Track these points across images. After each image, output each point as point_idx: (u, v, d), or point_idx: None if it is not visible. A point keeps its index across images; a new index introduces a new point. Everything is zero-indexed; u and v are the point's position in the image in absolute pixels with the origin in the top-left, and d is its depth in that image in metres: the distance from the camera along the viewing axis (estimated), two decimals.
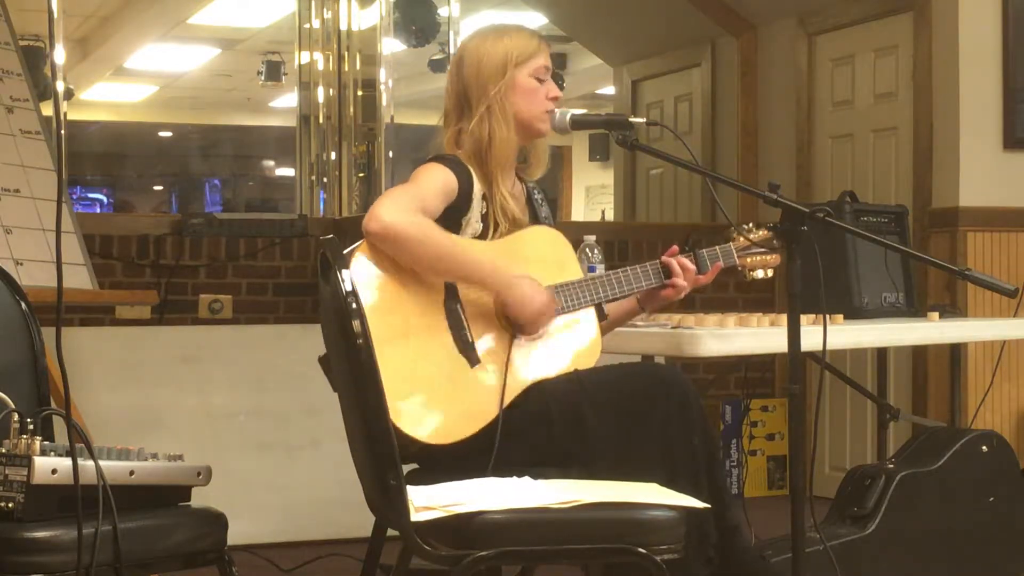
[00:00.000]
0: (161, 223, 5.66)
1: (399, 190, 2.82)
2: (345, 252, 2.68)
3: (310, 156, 7.52)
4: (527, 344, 2.83)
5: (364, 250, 2.73)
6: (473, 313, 2.79)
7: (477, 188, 2.91)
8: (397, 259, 2.72)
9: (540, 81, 2.96)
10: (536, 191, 3.12)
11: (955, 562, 3.58)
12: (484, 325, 2.79)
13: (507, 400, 2.74)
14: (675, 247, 3.03)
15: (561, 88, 3.04)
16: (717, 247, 3.11)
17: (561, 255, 2.98)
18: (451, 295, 2.78)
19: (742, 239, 3.12)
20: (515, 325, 2.81)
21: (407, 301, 2.74)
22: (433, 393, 2.70)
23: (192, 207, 16.65)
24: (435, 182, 2.84)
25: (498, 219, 2.91)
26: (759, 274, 3.16)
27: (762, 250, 3.13)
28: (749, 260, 3.13)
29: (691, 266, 3.01)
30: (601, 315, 3.05)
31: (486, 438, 2.70)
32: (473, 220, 2.89)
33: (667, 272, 3.00)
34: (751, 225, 3.11)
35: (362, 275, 2.68)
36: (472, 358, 2.75)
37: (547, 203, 3.15)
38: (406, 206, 2.73)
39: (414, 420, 2.64)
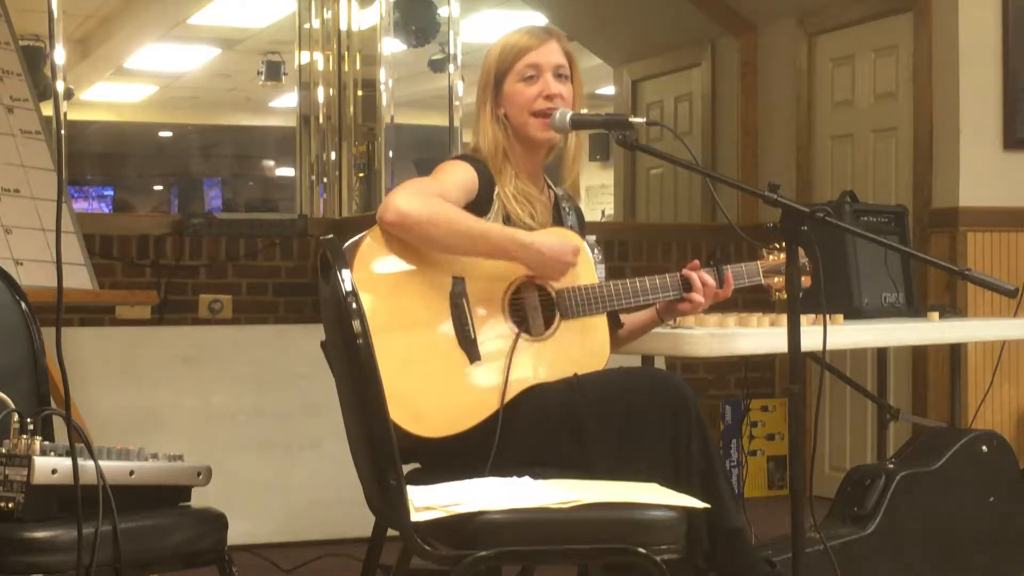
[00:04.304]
0: (161, 223, 5.65)
1: (417, 180, 2.80)
2: (355, 239, 2.68)
3: (310, 156, 7.52)
4: (531, 345, 2.80)
5: (375, 237, 2.71)
6: (479, 308, 2.76)
7: (498, 190, 2.89)
8: (418, 245, 2.69)
9: (530, 81, 2.92)
10: (565, 200, 3.07)
11: (955, 562, 3.58)
12: (489, 321, 2.76)
13: (506, 399, 2.71)
14: (696, 261, 3.00)
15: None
16: (743, 264, 3.08)
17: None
18: (458, 288, 2.75)
19: (771, 258, 3.10)
20: (540, 275, 2.80)
21: (412, 291, 2.71)
22: (427, 386, 2.68)
23: (192, 207, 16.65)
24: (455, 176, 2.82)
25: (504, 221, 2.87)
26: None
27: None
28: (776, 280, 3.10)
29: (711, 281, 2.98)
30: (616, 323, 3.03)
31: (480, 437, 2.68)
32: (492, 221, 2.85)
33: (687, 285, 2.97)
34: (778, 245, 3.07)
35: (370, 262, 2.68)
36: (472, 354, 2.73)
37: (576, 215, 3.10)
38: (422, 193, 2.70)
39: (403, 410, 2.61)
